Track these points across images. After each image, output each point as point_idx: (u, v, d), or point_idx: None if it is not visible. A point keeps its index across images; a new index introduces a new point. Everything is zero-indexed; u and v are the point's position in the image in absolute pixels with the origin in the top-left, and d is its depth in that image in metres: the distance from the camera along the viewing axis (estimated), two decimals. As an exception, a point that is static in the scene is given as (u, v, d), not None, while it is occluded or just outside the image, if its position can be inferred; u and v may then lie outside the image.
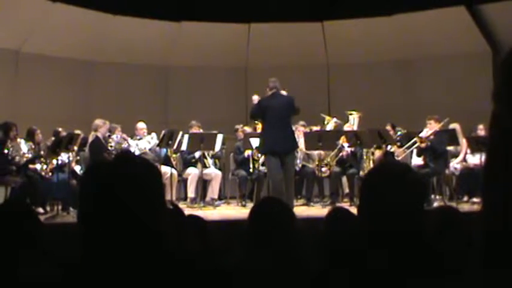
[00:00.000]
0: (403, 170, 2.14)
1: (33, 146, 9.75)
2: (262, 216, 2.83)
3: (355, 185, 10.52)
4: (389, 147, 10.40)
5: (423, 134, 10.06)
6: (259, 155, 10.68)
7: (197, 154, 10.94)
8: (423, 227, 2.03)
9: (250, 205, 9.31)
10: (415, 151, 10.31)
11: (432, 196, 10.03)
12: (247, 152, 11.00)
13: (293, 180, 9.47)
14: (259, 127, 11.05)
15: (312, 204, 10.77)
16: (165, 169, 10.27)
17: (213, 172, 10.92)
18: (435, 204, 9.57)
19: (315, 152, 10.96)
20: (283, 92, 9.34)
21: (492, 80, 12.10)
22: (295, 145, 9.42)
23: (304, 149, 10.88)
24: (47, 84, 12.63)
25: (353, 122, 11.10)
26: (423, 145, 9.94)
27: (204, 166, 10.90)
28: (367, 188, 2.14)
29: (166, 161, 10.83)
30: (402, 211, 1.99)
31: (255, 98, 9.98)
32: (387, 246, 1.94)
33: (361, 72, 13.77)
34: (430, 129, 10.07)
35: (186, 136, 10.65)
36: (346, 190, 11.00)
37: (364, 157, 10.56)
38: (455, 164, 10.75)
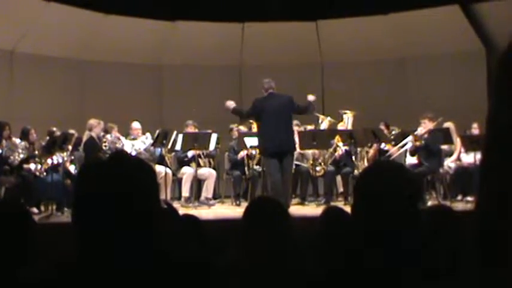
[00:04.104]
0: (398, 169, 2.15)
1: (27, 146, 9.73)
2: (256, 215, 2.83)
3: (349, 184, 10.53)
4: (383, 145, 10.42)
5: (417, 133, 10.07)
6: (254, 152, 10.70)
7: (190, 154, 10.92)
8: (419, 226, 2.03)
9: (244, 204, 9.31)
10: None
11: (426, 195, 10.04)
12: (241, 154, 11.00)
13: (290, 180, 9.47)
14: (254, 126, 11.06)
15: (306, 203, 10.80)
16: (159, 168, 10.27)
17: (208, 171, 10.92)
18: (429, 203, 9.58)
19: (309, 151, 10.97)
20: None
21: (486, 79, 12.14)
22: (293, 146, 9.39)
23: (298, 148, 10.87)
24: (41, 84, 12.59)
25: (347, 121, 11.12)
26: (418, 143, 9.95)
27: (199, 165, 10.89)
28: (361, 187, 2.14)
29: (161, 161, 10.83)
30: (397, 210, 1.99)
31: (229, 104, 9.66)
32: (382, 246, 1.94)
33: (355, 71, 13.77)
34: (424, 128, 10.06)
35: (180, 135, 10.64)
36: (341, 189, 11.03)
37: (359, 156, 10.57)
38: (449, 163, 10.75)
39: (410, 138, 10.07)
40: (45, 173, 9.55)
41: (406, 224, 1.99)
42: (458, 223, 2.78)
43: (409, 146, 10.13)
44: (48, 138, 10.05)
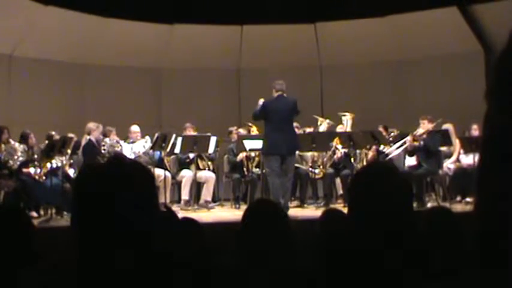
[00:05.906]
0: (390, 170, 2.15)
1: (26, 150, 9.72)
2: (255, 218, 2.83)
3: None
4: (382, 147, 10.41)
5: (416, 133, 10.06)
6: (253, 155, 10.70)
7: (192, 154, 10.91)
8: (413, 226, 2.03)
9: (244, 207, 9.27)
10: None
11: (425, 197, 10.04)
12: (240, 156, 10.99)
13: (291, 180, 9.48)
14: (253, 129, 11.06)
15: (305, 205, 10.78)
16: (158, 172, 10.26)
17: (207, 174, 10.91)
18: (429, 204, 9.59)
19: (308, 154, 10.97)
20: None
21: (484, 80, 12.14)
22: (297, 146, 9.44)
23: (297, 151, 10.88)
24: (40, 88, 12.59)
25: (346, 123, 11.11)
26: (416, 143, 9.94)
27: (198, 168, 10.89)
28: (355, 188, 2.14)
29: (160, 164, 10.82)
30: (390, 211, 1.99)
31: (261, 102, 9.47)
32: (378, 246, 1.94)
33: (354, 73, 13.78)
34: (423, 128, 10.07)
35: (180, 138, 10.63)
36: (340, 191, 11.02)
37: (358, 158, 10.57)
38: (448, 164, 10.76)
39: (408, 138, 10.07)
40: (44, 177, 9.54)
41: (402, 224, 1.99)
42: (458, 224, 2.78)
43: (407, 145, 10.10)
44: (47, 142, 10.04)
